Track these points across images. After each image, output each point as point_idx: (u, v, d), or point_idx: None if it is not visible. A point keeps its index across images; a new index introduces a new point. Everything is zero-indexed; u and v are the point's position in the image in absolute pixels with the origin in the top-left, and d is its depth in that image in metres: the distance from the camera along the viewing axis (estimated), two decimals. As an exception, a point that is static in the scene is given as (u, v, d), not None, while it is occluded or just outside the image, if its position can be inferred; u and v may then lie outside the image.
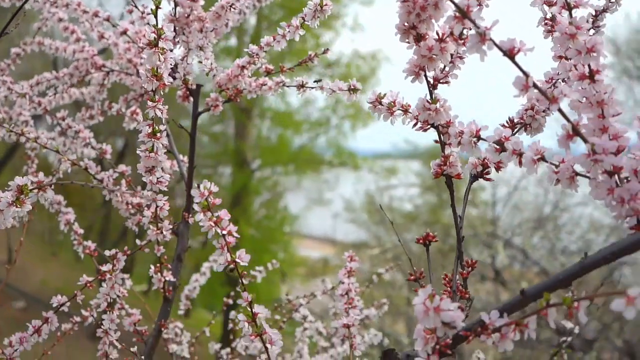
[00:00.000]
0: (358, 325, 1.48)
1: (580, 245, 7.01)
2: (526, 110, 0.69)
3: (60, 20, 1.20)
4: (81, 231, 1.10)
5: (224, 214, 0.63)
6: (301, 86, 0.97)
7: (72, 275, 1.08)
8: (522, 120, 0.69)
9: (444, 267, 6.91)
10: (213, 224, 0.62)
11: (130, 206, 1.03)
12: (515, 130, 0.69)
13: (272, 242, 11.11)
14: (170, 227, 0.91)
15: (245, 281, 0.65)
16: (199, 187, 0.61)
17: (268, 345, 0.65)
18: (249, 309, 0.65)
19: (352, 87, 0.83)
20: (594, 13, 0.72)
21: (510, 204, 7.68)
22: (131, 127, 1.21)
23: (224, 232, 0.62)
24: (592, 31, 0.72)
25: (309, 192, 12.95)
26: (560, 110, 0.51)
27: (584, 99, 0.54)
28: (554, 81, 0.69)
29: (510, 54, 0.51)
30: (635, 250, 0.49)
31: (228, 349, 1.40)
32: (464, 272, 0.65)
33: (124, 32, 1.05)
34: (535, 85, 0.51)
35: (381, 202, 9.73)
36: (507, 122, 0.70)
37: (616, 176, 0.52)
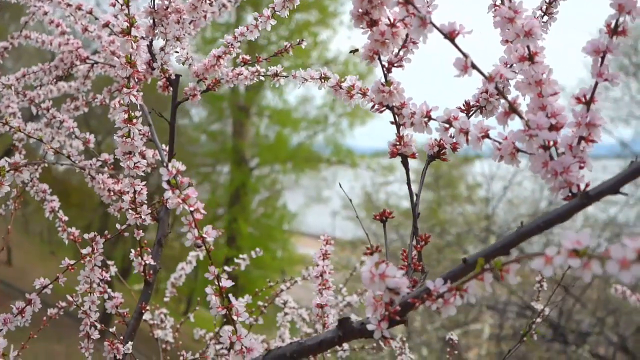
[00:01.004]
0: (340, 311, 1.52)
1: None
2: (481, 93, 0.72)
3: (46, 13, 1.23)
4: (66, 218, 1.13)
5: (192, 192, 0.66)
6: (275, 75, 1.01)
7: (70, 274, 1.11)
8: (477, 103, 0.72)
9: (439, 262, 6.95)
10: (181, 201, 0.66)
11: (112, 193, 1.06)
12: (471, 112, 0.73)
13: (270, 240, 11.13)
14: (149, 211, 0.95)
15: (210, 255, 0.69)
16: (167, 166, 0.65)
17: (234, 317, 0.68)
18: (217, 283, 0.69)
19: (323, 75, 0.87)
20: (547, 0, 0.76)
21: (506, 200, 7.72)
22: (115, 118, 1.24)
23: (192, 209, 0.66)
24: (545, 17, 0.76)
25: (307, 190, 12.99)
26: (497, 89, 0.55)
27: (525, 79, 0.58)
28: (508, 66, 0.72)
29: (450, 36, 0.54)
30: (566, 219, 0.52)
31: (211, 334, 1.44)
32: (419, 246, 0.68)
33: (106, 25, 1.09)
34: (473, 66, 0.54)
35: (378, 199, 9.77)
36: (463, 105, 0.73)
37: (552, 150, 0.55)
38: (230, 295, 0.69)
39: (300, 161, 12.31)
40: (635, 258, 0.38)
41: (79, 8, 1.14)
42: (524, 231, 0.53)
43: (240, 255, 1.42)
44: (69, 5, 1.14)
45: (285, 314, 1.37)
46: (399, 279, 0.54)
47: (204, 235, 0.67)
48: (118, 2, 0.96)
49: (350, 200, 1.00)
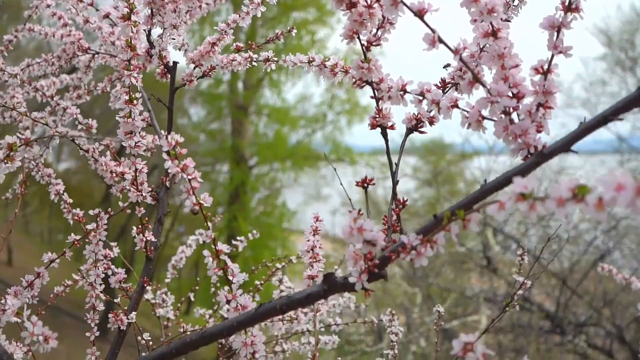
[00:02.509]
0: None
1: (572, 233, 7.13)
2: (456, 71, 0.78)
3: (48, 6, 1.29)
4: (70, 200, 1.19)
5: (190, 162, 0.72)
6: (267, 60, 1.06)
7: (71, 274, 1.17)
8: (452, 80, 0.78)
9: (436, 256, 7.02)
10: (180, 170, 0.72)
11: (114, 174, 1.12)
12: (447, 89, 0.79)
13: (270, 238, 11.18)
14: (149, 189, 1.01)
15: (209, 223, 0.75)
16: (167, 137, 0.71)
17: (230, 277, 0.74)
18: (213, 246, 0.75)
19: (310, 59, 0.92)
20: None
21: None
22: (116, 105, 1.30)
23: (190, 177, 0.72)
24: (516, 2, 0.82)
25: (306, 188, 13.06)
26: (462, 61, 0.61)
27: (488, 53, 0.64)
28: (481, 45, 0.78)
29: (420, 14, 0.60)
30: (525, 175, 0.58)
31: (210, 311, 1.50)
32: (397, 209, 0.74)
33: (107, 16, 1.15)
34: (440, 40, 0.60)
35: (377, 196, 9.82)
36: (439, 82, 0.79)
37: (514, 116, 0.62)
38: (226, 257, 0.75)
39: (299, 159, 12.37)
40: (570, 197, 0.44)
41: (80, 0, 1.20)
42: (486, 188, 0.59)
43: (238, 237, 1.48)
44: (71, -3, 1.20)
45: (281, 291, 1.43)
46: (375, 232, 0.60)
47: (201, 201, 0.73)
48: (118, -7, 1.01)
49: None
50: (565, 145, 0.57)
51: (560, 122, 8.43)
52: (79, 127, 1.19)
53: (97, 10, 1.19)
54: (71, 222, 1.16)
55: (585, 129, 0.56)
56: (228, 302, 0.74)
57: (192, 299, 1.53)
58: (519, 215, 7.34)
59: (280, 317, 1.25)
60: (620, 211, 7.75)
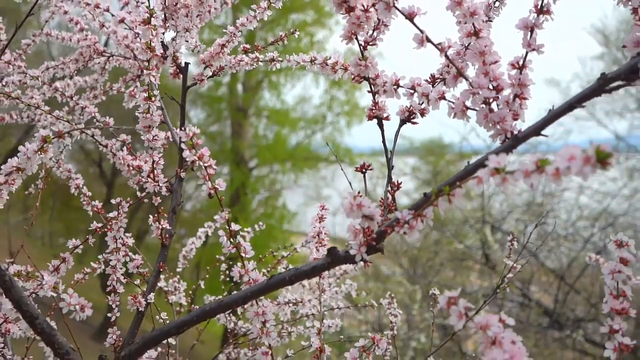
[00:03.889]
0: (337, 279, 1.66)
1: (570, 230, 7.22)
2: (443, 67, 0.86)
3: (66, 12, 1.38)
4: (89, 193, 1.28)
5: (205, 151, 0.81)
6: (272, 60, 1.15)
7: (72, 277, 1.25)
8: (441, 76, 0.87)
9: (436, 253, 7.10)
10: (197, 158, 0.80)
11: (130, 168, 1.20)
12: (436, 83, 0.87)
13: (271, 239, 11.26)
14: (165, 180, 1.09)
15: (224, 206, 0.83)
16: (185, 129, 0.79)
17: (243, 254, 0.83)
18: (227, 227, 0.83)
19: (312, 58, 1.01)
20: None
21: (503, 194, 7.88)
22: (130, 105, 1.38)
23: (206, 164, 0.81)
24: (497, 3, 0.90)
25: (306, 190, 13.13)
26: (447, 57, 0.69)
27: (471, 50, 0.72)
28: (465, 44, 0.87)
29: (410, 17, 0.69)
30: (508, 151, 0.67)
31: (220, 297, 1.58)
32: (392, 191, 0.82)
33: (122, 21, 1.23)
34: (428, 39, 0.69)
35: (376, 195, 9.90)
36: (429, 77, 0.87)
37: (494, 106, 0.70)
38: (238, 236, 0.83)
39: (299, 161, 12.46)
40: (534, 168, 0.52)
41: (97, 7, 1.28)
42: (469, 168, 0.68)
43: (245, 229, 1.56)
44: (87, 4, 1.29)
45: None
46: (373, 208, 0.69)
47: (215, 186, 0.82)
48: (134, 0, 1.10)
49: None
50: (536, 130, 0.65)
51: (558, 121, 8.50)
52: (96, 124, 1.28)
53: (112, 15, 1.28)
54: (91, 213, 1.25)
55: (554, 114, 0.64)
56: (241, 276, 0.82)
57: (202, 286, 1.62)
58: (517, 213, 7.42)
59: (287, 301, 1.33)
60: (617, 208, 7.83)
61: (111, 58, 1.37)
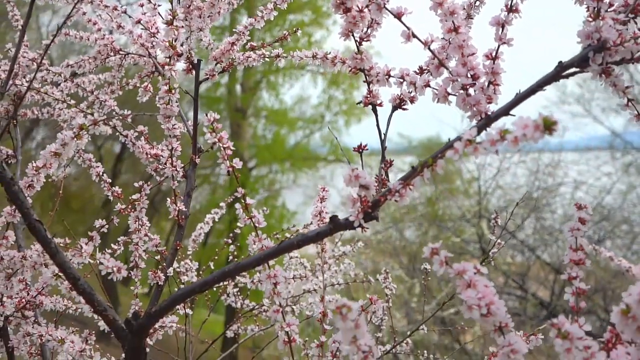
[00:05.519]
0: (337, 259, 1.78)
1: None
2: (430, 59, 0.98)
3: (84, 14, 1.49)
4: (109, 180, 1.39)
5: (224, 134, 0.93)
6: (277, 56, 1.27)
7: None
8: (427, 67, 0.99)
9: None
10: (217, 140, 0.92)
11: (148, 156, 1.32)
12: (424, 73, 0.99)
13: (271, 239, 11.35)
14: (182, 165, 1.21)
15: (239, 183, 0.95)
16: (206, 114, 0.91)
17: (256, 224, 0.95)
18: (243, 201, 0.95)
19: (314, 54, 1.13)
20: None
21: (498, 187, 8.02)
22: (144, 99, 1.50)
23: (225, 146, 0.92)
24: (477, 2, 1.02)
25: (305, 189, 13.24)
26: (430, 50, 0.81)
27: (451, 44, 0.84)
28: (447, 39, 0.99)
29: (398, 16, 0.81)
30: (480, 133, 0.78)
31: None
32: (385, 167, 0.94)
33: (138, 22, 1.35)
34: (414, 35, 0.81)
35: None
36: (418, 69, 0.99)
37: (470, 91, 0.82)
38: (253, 209, 0.95)
39: (298, 160, 12.58)
40: (498, 138, 0.64)
41: (115, 9, 1.40)
42: (449, 144, 0.80)
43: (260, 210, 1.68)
44: (106, 6, 1.41)
45: (291, 257, 1.63)
46: (369, 178, 0.81)
47: (233, 164, 0.93)
48: (150, 2, 1.22)
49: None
50: (505, 111, 0.77)
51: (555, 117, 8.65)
52: (115, 117, 1.40)
53: (130, 17, 1.39)
54: (111, 198, 1.36)
55: (520, 97, 0.76)
56: (254, 243, 0.94)
57: (212, 267, 1.74)
58: (514, 207, 7.56)
59: (293, 276, 1.46)
60: (611, 202, 7.97)
61: (127, 56, 1.49)
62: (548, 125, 0.58)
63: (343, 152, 1.25)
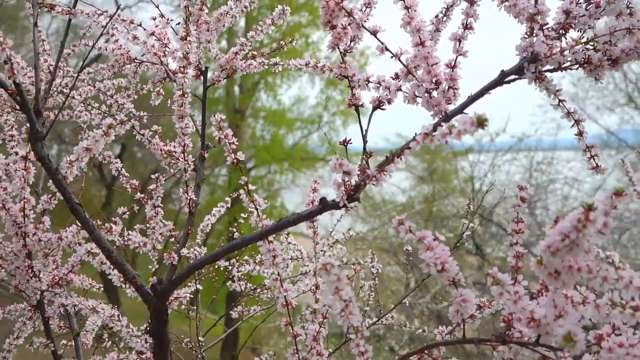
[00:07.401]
0: (330, 246, 1.96)
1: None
2: (402, 68, 1.16)
3: (103, 27, 1.67)
4: (127, 175, 1.57)
5: (229, 131, 1.11)
6: (276, 64, 1.45)
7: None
8: (399, 75, 1.17)
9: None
10: (223, 137, 1.10)
11: (162, 152, 1.50)
12: (398, 79, 1.17)
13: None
14: (193, 159, 1.39)
15: (244, 172, 1.13)
16: (213, 115, 1.09)
17: (258, 206, 1.13)
18: (246, 187, 1.13)
19: (307, 62, 1.31)
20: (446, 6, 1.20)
21: (494, 188, 8.21)
22: (156, 102, 1.68)
23: (230, 141, 1.11)
24: (444, 18, 1.20)
25: (304, 189, 13.39)
26: (400, 61, 1.00)
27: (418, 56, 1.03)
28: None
29: (374, 33, 0.99)
30: (438, 124, 0.97)
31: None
32: (366, 157, 1.12)
33: (152, 33, 1.53)
34: (386, 48, 0.99)
35: (373, 194, 10.22)
36: (394, 75, 1.17)
37: (433, 94, 1.00)
38: (254, 195, 1.13)
39: (296, 161, 12.74)
40: (447, 131, 0.82)
41: (132, 22, 1.58)
42: (415, 137, 0.98)
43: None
44: (124, 20, 1.59)
45: (289, 243, 1.81)
46: (351, 166, 0.99)
47: (238, 157, 1.12)
48: (163, 17, 1.40)
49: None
50: (460, 110, 0.95)
51: (549, 117, 8.89)
52: (134, 118, 1.58)
53: (144, 29, 1.57)
54: (129, 190, 1.54)
55: (471, 99, 0.95)
56: (256, 222, 1.12)
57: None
58: (508, 204, 7.75)
59: (290, 257, 1.64)
60: (599, 199, 8.14)
61: (142, 64, 1.67)
62: (481, 122, 0.76)
63: (336, 150, 1.43)
